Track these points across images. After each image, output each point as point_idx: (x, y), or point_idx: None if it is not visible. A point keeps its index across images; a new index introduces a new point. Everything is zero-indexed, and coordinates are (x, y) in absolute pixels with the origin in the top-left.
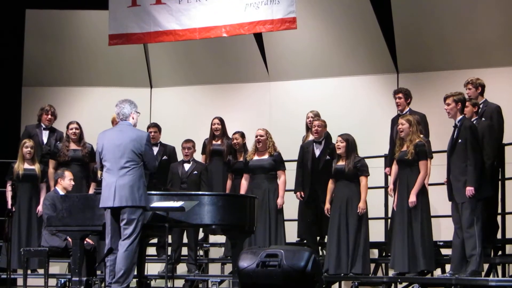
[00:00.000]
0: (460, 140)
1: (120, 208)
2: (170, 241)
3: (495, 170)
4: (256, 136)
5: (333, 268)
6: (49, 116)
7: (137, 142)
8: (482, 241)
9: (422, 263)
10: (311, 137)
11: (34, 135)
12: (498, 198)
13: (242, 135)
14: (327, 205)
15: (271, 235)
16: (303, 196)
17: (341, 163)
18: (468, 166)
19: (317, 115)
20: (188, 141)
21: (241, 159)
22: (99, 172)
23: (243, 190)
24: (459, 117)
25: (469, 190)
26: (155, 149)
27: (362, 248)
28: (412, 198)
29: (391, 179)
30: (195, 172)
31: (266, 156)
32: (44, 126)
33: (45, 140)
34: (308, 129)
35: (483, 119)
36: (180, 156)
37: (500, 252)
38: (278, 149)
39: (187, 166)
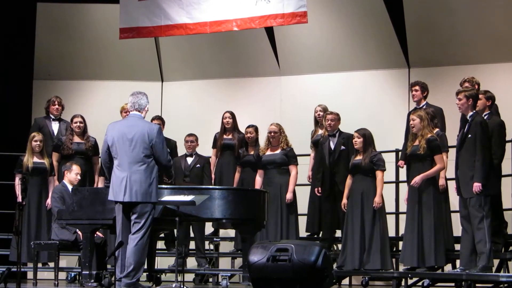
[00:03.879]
0: (470, 135)
1: (131, 202)
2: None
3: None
4: (270, 132)
5: (349, 263)
6: (57, 106)
7: (148, 136)
8: (492, 236)
9: (432, 258)
10: (320, 131)
11: (44, 127)
12: (503, 195)
13: (256, 129)
14: (344, 200)
15: (282, 229)
16: (320, 192)
17: (358, 157)
18: (476, 161)
19: (324, 109)
20: (190, 135)
21: (252, 152)
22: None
23: (257, 186)
24: (471, 112)
25: (477, 186)
26: None
27: (380, 243)
28: (418, 179)
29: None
30: (198, 165)
31: (278, 151)
32: (53, 117)
33: (55, 131)
34: (317, 123)
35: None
36: (181, 152)
37: (510, 248)
38: (290, 143)
39: (189, 160)
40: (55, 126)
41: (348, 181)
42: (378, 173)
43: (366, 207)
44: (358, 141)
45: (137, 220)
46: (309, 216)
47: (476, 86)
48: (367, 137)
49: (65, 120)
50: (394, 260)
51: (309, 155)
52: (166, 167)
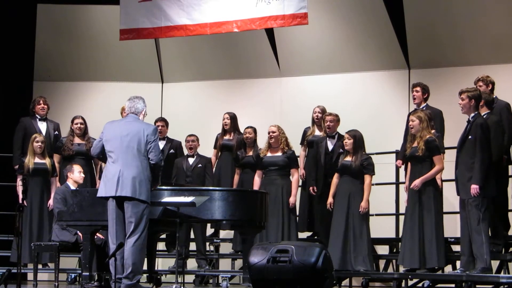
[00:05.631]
0: (470, 137)
1: (123, 199)
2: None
3: (505, 168)
4: (269, 133)
5: (336, 264)
6: (42, 105)
7: (144, 134)
8: (492, 237)
9: (434, 259)
10: (317, 132)
11: (30, 126)
12: (508, 196)
13: (254, 130)
14: (330, 199)
15: (283, 231)
16: (315, 191)
17: (348, 158)
18: (475, 163)
19: (323, 110)
20: (191, 135)
21: (251, 153)
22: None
23: (256, 186)
24: (473, 113)
25: (474, 188)
26: (162, 143)
27: (366, 246)
28: (418, 182)
29: (407, 177)
30: (200, 165)
31: (279, 153)
32: (39, 117)
33: (43, 130)
34: (314, 123)
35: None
36: (186, 151)
37: (511, 249)
38: (291, 145)
39: (191, 160)
40: (42, 126)
41: (335, 180)
42: (367, 177)
43: (353, 210)
44: (348, 142)
45: (131, 220)
46: (300, 215)
47: (490, 86)
48: (358, 139)
49: (52, 120)
50: (394, 261)
51: None
52: (156, 165)
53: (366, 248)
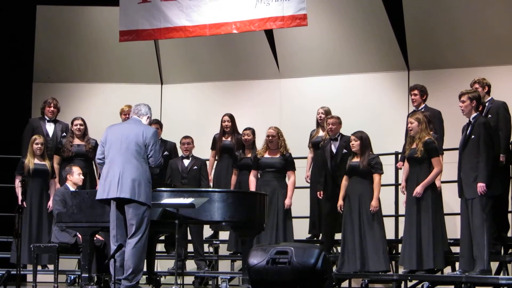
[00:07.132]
0: (473, 136)
1: (124, 201)
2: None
3: (504, 168)
4: (268, 135)
5: (351, 266)
6: (52, 108)
7: (143, 137)
8: (493, 239)
9: (431, 261)
10: (321, 133)
11: (38, 128)
12: (508, 196)
13: (253, 132)
14: (340, 202)
15: (278, 233)
16: (322, 195)
17: (355, 160)
18: (480, 162)
19: (327, 112)
20: (187, 137)
21: (249, 155)
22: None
23: (252, 185)
24: (474, 114)
25: (481, 186)
26: None
27: (382, 245)
28: (419, 189)
29: (403, 177)
30: (195, 167)
31: (277, 156)
32: (47, 119)
33: (50, 132)
34: (318, 125)
35: (489, 116)
36: (180, 153)
37: (510, 250)
38: (289, 147)
39: (186, 162)
40: (49, 128)
41: (344, 182)
42: (376, 176)
43: (364, 210)
44: (355, 144)
45: (132, 222)
46: (311, 218)
47: (487, 88)
48: (364, 140)
49: (61, 121)
50: (394, 262)
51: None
52: (154, 169)
53: (381, 247)
